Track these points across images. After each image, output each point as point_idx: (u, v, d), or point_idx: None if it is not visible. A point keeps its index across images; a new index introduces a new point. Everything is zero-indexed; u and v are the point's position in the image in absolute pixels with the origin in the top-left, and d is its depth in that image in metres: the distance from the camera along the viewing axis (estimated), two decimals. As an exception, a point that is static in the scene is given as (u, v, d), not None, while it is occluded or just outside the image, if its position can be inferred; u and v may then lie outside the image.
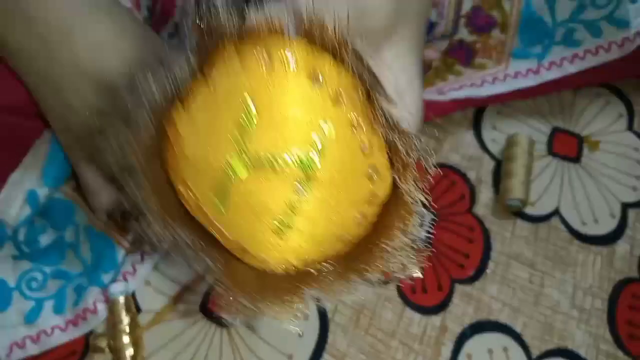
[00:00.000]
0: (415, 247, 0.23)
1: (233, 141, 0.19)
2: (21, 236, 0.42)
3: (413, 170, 0.22)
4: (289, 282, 0.23)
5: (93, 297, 0.43)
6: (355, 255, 0.23)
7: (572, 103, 0.53)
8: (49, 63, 0.33)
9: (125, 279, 0.44)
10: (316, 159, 0.19)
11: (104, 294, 0.43)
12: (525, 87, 0.49)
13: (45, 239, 0.43)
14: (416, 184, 0.22)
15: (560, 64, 0.49)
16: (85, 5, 0.33)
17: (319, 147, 0.20)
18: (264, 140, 0.19)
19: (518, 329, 0.43)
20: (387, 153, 0.22)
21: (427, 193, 0.23)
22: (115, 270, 0.44)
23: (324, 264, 0.23)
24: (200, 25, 0.19)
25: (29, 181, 0.39)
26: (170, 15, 0.45)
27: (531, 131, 0.51)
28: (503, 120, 0.52)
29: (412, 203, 0.22)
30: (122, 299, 0.43)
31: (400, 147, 0.21)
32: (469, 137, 0.52)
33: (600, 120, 0.52)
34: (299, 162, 0.20)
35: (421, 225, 0.23)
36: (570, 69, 0.48)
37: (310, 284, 0.23)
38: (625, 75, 0.52)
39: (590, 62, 0.48)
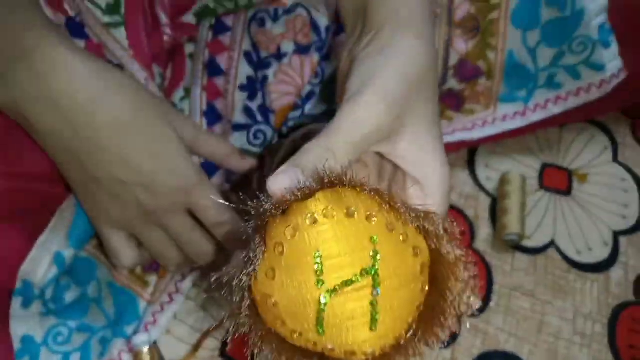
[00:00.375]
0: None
1: (315, 284, 0.25)
2: (48, 295, 0.44)
3: (446, 237, 0.27)
4: None
5: (118, 348, 0.45)
6: (428, 318, 0.28)
7: (559, 139, 0.57)
8: (74, 141, 0.36)
9: (147, 330, 0.46)
10: (376, 265, 0.25)
11: (128, 346, 0.45)
12: (513, 129, 0.52)
13: (69, 296, 0.46)
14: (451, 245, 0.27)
15: (544, 105, 0.52)
16: (109, 85, 0.36)
17: (375, 256, 0.26)
18: (336, 271, 0.25)
19: (524, 357, 0.45)
20: (421, 232, 0.27)
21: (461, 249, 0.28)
22: (138, 321, 0.46)
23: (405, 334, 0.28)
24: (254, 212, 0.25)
25: (56, 243, 0.42)
26: (181, 80, 0.49)
27: (522, 167, 0.55)
28: (495, 158, 0.56)
29: (452, 258, 0.27)
30: (146, 349, 0.45)
31: (429, 228, 0.27)
32: (464, 176, 0.55)
33: (587, 154, 0.55)
34: (365, 274, 0.25)
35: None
36: (555, 109, 0.52)
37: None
38: (606, 110, 0.56)
39: (573, 102, 0.51)
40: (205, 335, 0.46)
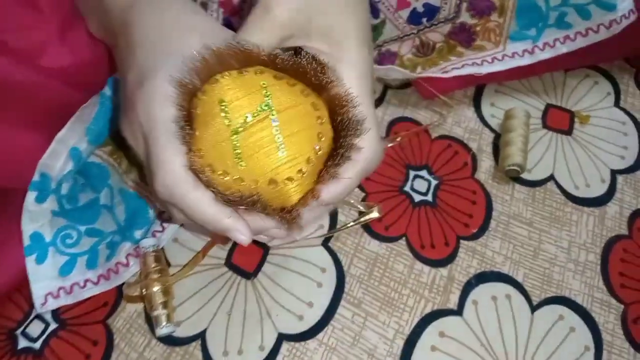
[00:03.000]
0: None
1: (226, 127, 0.32)
2: (64, 190, 0.45)
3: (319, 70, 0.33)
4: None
5: (125, 252, 0.47)
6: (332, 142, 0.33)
7: (564, 83, 0.58)
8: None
9: (154, 237, 0.47)
10: (269, 99, 0.32)
11: (136, 250, 0.47)
12: (520, 66, 0.53)
13: (83, 198, 0.47)
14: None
15: (553, 44, 0.53)
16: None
17: (267, 94, 0.32)
18: (239, 111, 0.32)
19: (519, 279, 0.47)
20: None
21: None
22: (147, 227, 0.48)
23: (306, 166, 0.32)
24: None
25: (73, 138, 0.42)
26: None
27: (526, 107, 0.56)
28: (501, 98, 0.57)
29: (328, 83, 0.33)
30: (153, 252, 0.46)
31: (307, 69, 0.32)
32: (470, 113, 0.56)
33: (590, 98, 0.57)
34: (262, 109, 0.32)
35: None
36: (563, 49, 0.53)
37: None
38: (611, 56, 0.57)
39: (581, 42, 0.52)
40: (212, 243, 0.48)
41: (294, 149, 0.32)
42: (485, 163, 0.53)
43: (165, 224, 0.49)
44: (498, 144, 0.54)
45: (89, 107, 0.43)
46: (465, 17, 0.54)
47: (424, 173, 0.52)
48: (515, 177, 0.52)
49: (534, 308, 0.45)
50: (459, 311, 0.45)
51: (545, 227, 0.49)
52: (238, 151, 0.31)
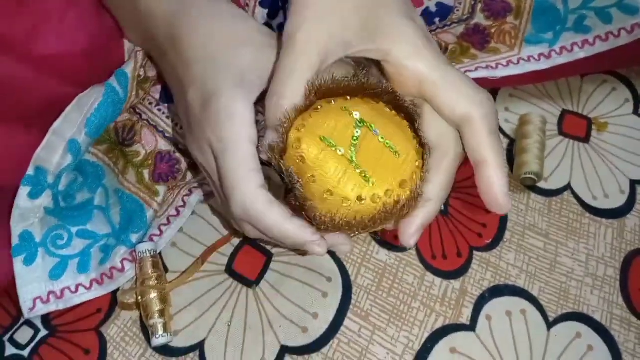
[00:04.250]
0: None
1: (335, 151, 0.32)
2: (62, 186, 0.42)
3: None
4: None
5: (121, 256, 0.44)
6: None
7: (580, 88, 0.56)
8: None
9: (152, 241, 0.45)
10: (360, 117, 0.33)
11: (132, 254, 0.44)
12: (536, 70, 0.51)
13: (80, 197, 0.44)
14: None
15: (570, 49, 0.51)
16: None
17: (356, 115, 0.33)
18: (341, 135, 0.33)
19: (535, 293, 0.45)
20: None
21: None
22: (144, 231, 0.45)
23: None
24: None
25: (71, 130, 0.40)
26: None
27: (542, 113, 0.54)
28: (515, 102, 0.55)
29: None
30: (150, 257, 0.43)
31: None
32: (483, 118, 0.54)
33: (607, 105, 0.54)
34: (358, 125, 0.33)
35: None
36: (580, 53, 0.51)
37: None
38: (631, 62, 0.55)
39: (600, 47, 0.50)
40: (212, 249, 0.45)
41: (404, 149, 0.32)
42: (499, 170, 0.51)
43: (163, 227, 0.46)
44: (512, 151, 0.51)
45: (88, 96, 0.41)
46: (479, 18, 0.52)
47: (435, 180, 0.50)
48: (530, 186, 0.50)
49: (550, 324, 0.43)
50: (471, 326, 0.43)
51: (562, 239, 0.47)
52: (364, 172, 0.31)
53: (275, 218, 0.32)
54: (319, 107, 0.33)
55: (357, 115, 0.32)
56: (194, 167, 0.47)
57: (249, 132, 0.33)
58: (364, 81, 0.33)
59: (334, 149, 0.31)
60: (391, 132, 0.32)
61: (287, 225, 0.32)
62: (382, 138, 0.32)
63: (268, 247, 0.46)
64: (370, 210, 0.31)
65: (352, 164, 0.31)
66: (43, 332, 0.43)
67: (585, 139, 0.53)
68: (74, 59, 0.40)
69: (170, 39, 0.37)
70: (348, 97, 0.34)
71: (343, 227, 0.32)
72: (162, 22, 0.37)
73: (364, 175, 0.31)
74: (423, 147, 0.33)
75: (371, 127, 0.32)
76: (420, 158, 0.33)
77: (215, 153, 0.33)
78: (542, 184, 0.50)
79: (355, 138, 0.32)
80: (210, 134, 0.33)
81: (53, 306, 0.42)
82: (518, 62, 0.52)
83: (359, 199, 0.31)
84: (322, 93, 0.33)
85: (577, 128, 0.53)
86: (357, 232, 0.33)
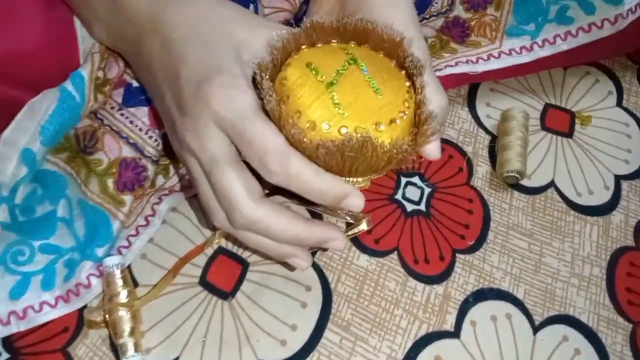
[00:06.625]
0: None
1: (320, 82, 0.32)
2: (18, 199, 0.40)
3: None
4: None
5: (86, 271, 0.42)
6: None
7: (563, 82, 0.54)
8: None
9: (120, 254, 0.43)
10: (354, 55, 0.33)
11: (98, 268, 0.42)
12: (518, 64, 0.50)
13: (40, 210, 0.42)
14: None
15: (553, 41, 0.50)
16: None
17: (350, 52, 0.34)
18: (328, 68, 0.33)
19: (520, 296, 0.43)
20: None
21: None
22: (110, 244, 0.43)
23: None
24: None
25: (23, 139, 0.37)
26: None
27: (524, 107, 0.52)
28: (496, 97, 0.53)
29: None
30: (118, 272, 0.41)
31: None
32: (464, 113, 0.52)
33: (591, 97, 0.53)
34: (349, 63, 0.33)
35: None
36: (563, 46, 0.49)
37: None
38: (613, 52, 0.53)
39: (583, 39, 0.49)
40: (185, 260, 0.43)
41: (390, 94, 0.32)
42: (482, 168, 0.49)
43: (132, 239, 0.44)
44: (494, 147, 0.50)
45: (40, 102, 0.38)
46: (459, 11, 0.50)
47: (416, 180, 0.48)
48: (513, 184, 0.48)
49: (536, 328, 0.42)
50: (456, 333, 0.41)
51: (546, 238, 0.46)
52: (337, 101, 0.31)
53: (308, 167, 0.32)
54: (319, 45, 0.34)
55: (352, 55, 0.33)
56: (171, 154, 0.45)
57: (259, 104, 0.32)
58: (367, 25, 0.34)
59: (315, 74, 0.32)
60: (383, 78, 0.33)
61: (323, 176, 0.32)
62: (369, 78, 0.32)
63: (244, 256, 0.44)
64: (336, 141, 0.31)
65: (328, 92, 0.31)
66: (4, 356, 0.40)
67: (569, 134, 0.51)
68: (22, 59, 0.37)
69: (153, 23, 0.35)
70: (353, 44, 0.35)
71: (310, 153, 0.31)
72: (144, 7, 0.35)
73: (337, 104, 0.31)
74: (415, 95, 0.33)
75: (362, 65, 0.32)
76: (406, 107, 0.33)
77: (231, 124, 0.32)
78: (525, 182, 0.48)
79: (340, 71, 0.32)
80: (221, 108, 0.32)
81: (14, 328, 0.39)
82: (499, 55, 0.50)
83: (327, 126, 0.31)
84: (325, 33, 0.34)
85: (560, 122, 0.52)
86: (333, 168, 0.33)
